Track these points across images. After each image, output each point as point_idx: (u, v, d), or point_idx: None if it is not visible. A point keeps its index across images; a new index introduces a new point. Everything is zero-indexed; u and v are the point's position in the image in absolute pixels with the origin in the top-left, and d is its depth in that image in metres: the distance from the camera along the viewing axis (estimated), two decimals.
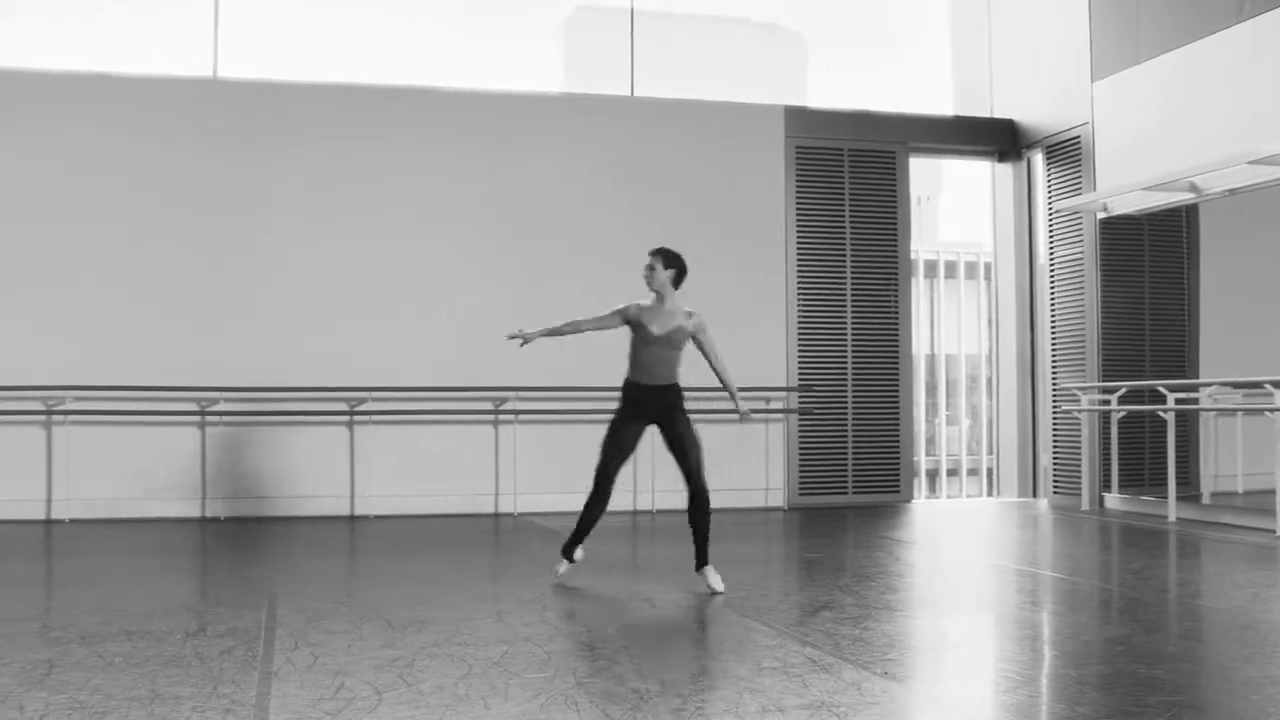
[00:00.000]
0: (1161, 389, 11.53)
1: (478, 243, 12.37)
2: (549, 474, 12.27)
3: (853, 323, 13.28)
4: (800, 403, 13.09)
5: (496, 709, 4.32)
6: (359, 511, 11.92)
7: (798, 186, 13.20)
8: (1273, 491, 10.14)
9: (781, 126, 13.23)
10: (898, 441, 13.39)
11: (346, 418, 11.99)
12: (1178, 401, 11.41)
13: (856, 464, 13.26)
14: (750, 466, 12.88)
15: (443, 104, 12.58)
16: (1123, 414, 12.22)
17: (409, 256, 12.24)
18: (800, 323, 13.13)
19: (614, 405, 12.26)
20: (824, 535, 10.66)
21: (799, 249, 13.16)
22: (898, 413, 13.40)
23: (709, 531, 7.50)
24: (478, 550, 9.95)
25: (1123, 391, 12.19)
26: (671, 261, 7.53)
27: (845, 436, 13.25)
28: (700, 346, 7.69)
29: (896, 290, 13.40)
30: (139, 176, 11.80)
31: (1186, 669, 5.17)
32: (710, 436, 12.61)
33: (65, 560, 9.39)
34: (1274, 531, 10.00)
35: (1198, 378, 11.75)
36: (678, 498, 12.31)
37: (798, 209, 13.18)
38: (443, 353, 12.13)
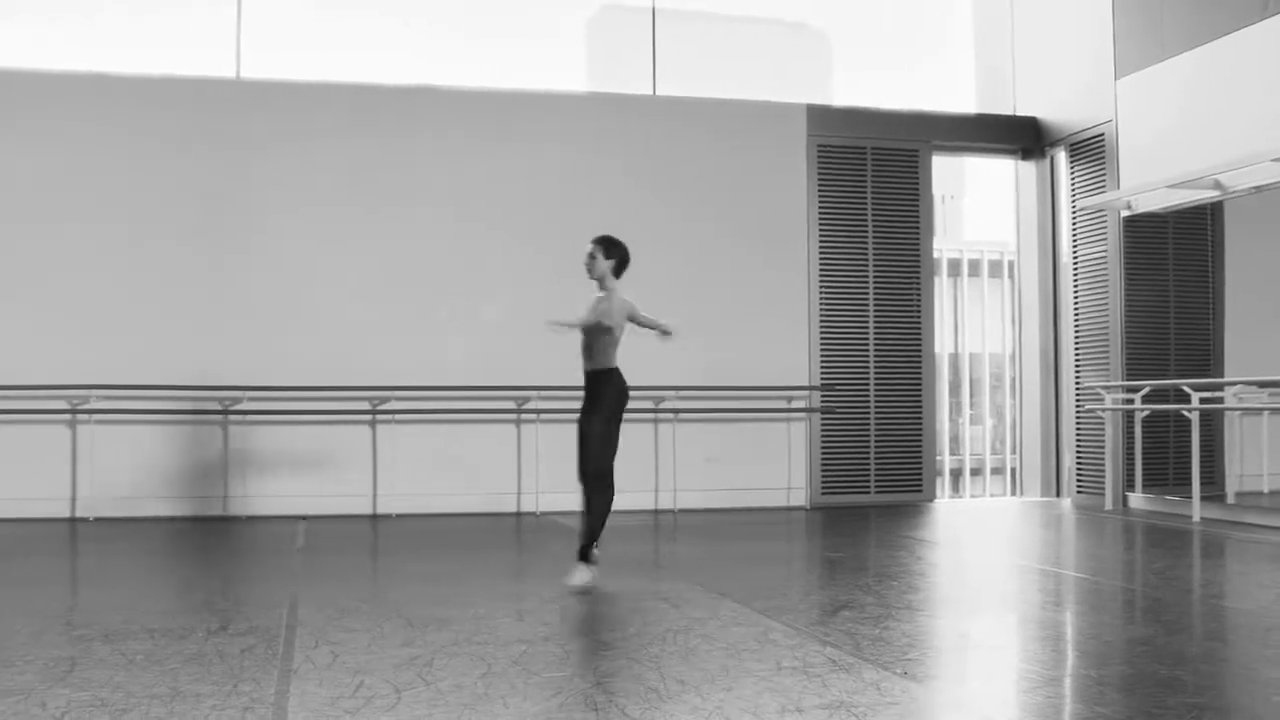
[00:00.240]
0: (1186, 388, 11.47)
1: (498, 241, 12.38)
2: (570, 473, 12.23)
3: (875, 321, 13.25)
4: (822, 402, 13.07)
5: (515, 708, 4.32)
6: (381, 510, 11.95)
7: (820, 185, 13.18)
8: None
9: (804, 125, 13.21)
10: (920, 441, 13.35)
11: (369, 417, 12.02)
12: (1202, 400, 11.35)
13: (879, 463, 13.23)
14: (772, 466, 12.86)
15: (465, 103, 12.60)
16: (1146, 413, 12.16)
17: (431, 256, 12.26)
18: (822, 322, 13.10)
19: (638, 404, 12.37)
20: (846, 534, 10.63)
21: (821, 248, 13.13)
22: (920, 412, 13.37)
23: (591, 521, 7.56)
24: (499, 549, 9.96)
25: (1146, 390, 12.13)
26: (612, 250, 7.52)
27: (867, 436, 13.22)
28: (639, 323, 7.97)
29: (918, 289, 13.34)
30: (159, 177, 11.86)
31: (1209, 670, 5.14)
32: (733, 435, 12.74)
33: (89, 558, 9.43)
34: None
35: (1222, 376, 11.69)
36: (699, 496, 12.43)
37: (820, 208, 13.16)
38: (465, 352, 12.15)
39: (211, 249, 11.92)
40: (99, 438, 11.53)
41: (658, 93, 13.28)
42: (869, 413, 13.23)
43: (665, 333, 7.88)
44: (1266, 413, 11.24)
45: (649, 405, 12.53)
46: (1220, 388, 11.48)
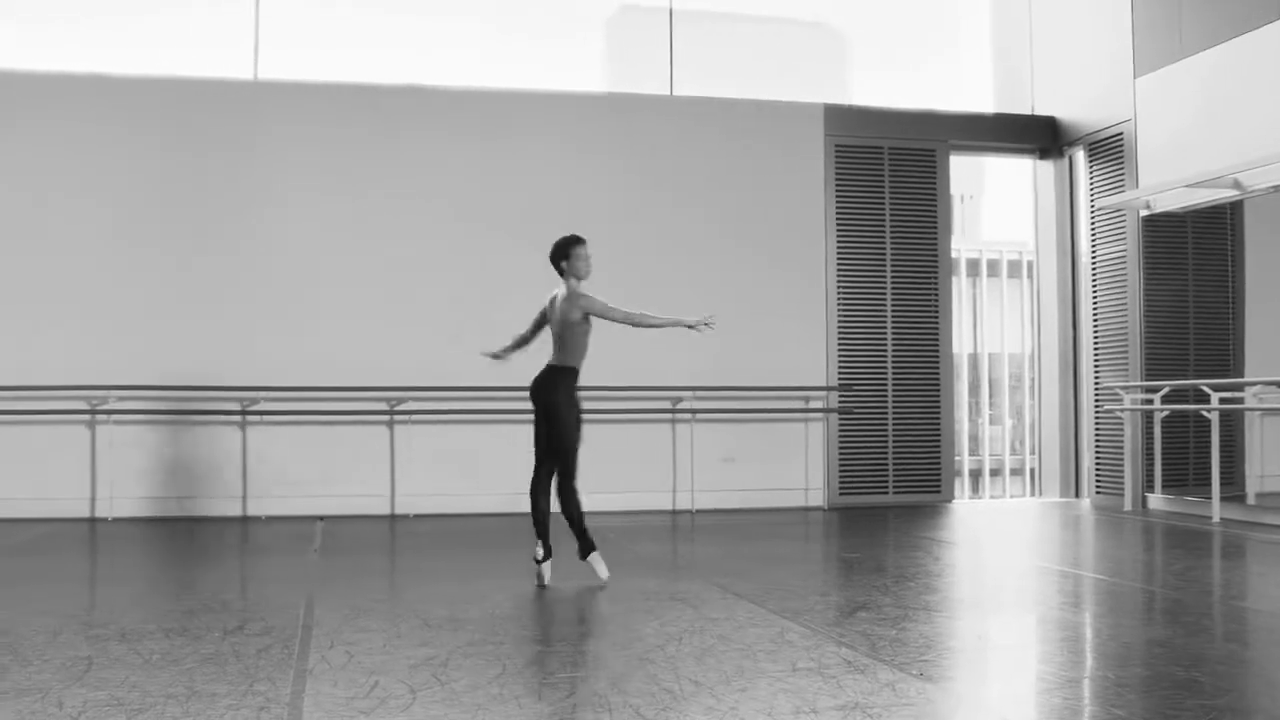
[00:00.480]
0: (1205, 388, 11.41)
1: (514, 243, 12.37)
2: (589, 473, 12.24)
3: (893, 322, 13.22)
4: (840, 402, 13.04)
5: (530, 708, 4.32)
6: (399, 510, 11.97)
7: (837, 185, 13.15)
8: None
9: (821, 125, 13.19)
10: (939, 441, 13.32)
11: (386, 417, 12.04)
12: (1222, 401, 11.29)
13: (897, 464, 13.20)
14: (789, 466, 12.85)
15: (482, 103, 12.60)
16: (1166, 413, 12.11)
17: (447, 258, 12.27)
18: (840, 322, 13.08)
19: (656, 405, 12.39)
20: (863, 535, 10.61)
21: (839, 248, 13.11)
22: (939, 412, 13.33)
23: (573, 523, 7.93)
24: (517, 549, 9.93)
25: (1166, 391, 12.08)
26: (553, 254, 8.04)
27: (886, 436, 13.19)
28: (603, 318, 8.18)
29: (936, 289, 13.31)
30: (175, 179, 11.90)
31: (1227, 672, 5.11)
32: (750, 436, 12.73)
33: (107, 558, 9.47)
34: None
35: (1242, 376, 11.63)
36: (716, 497, 12.41)
37: (837, 208, 13.13)
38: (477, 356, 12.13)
39: (227, 250, 11.94)
40: (117, 438, 11.57)
41: (675, 93, 13.28)
42: (887, 413, 13.20)
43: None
44: None
45: (666, 406, 12.52)
46: (1240, 388, 11.42)
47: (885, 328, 13.20)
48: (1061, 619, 6.50)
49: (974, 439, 18.05)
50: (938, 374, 13.34)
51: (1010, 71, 14.60)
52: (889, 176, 13.28)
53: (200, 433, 11.77)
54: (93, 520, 11.38)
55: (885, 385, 13.20)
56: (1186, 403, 11.92)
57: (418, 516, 11.82)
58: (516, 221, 12.40)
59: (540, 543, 7.81)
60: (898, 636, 5.61)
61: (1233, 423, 11.61)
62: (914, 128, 13.50)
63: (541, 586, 7.46)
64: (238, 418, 11.80)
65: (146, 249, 11.81)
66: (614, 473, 12.38)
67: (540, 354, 7.92)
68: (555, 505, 7.82)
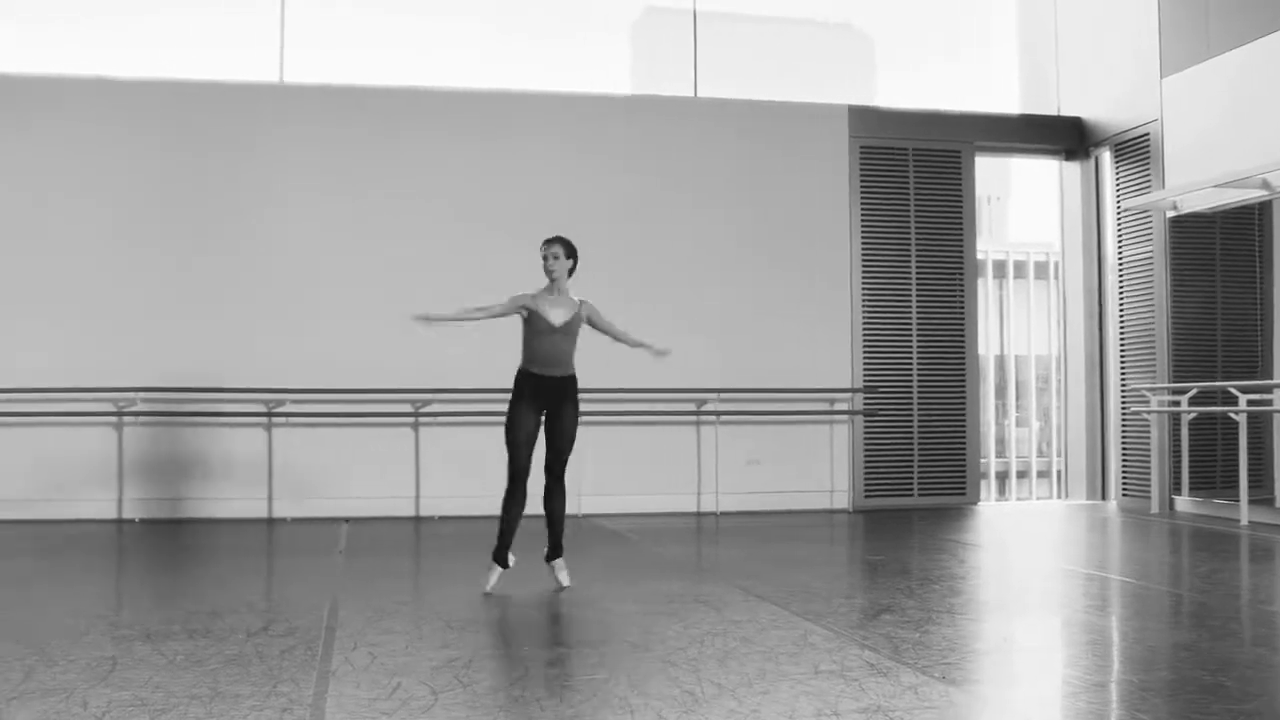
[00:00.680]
0: (1233, 390, 11.34)
1: (531, 242, 12.35)
2: (613, 475, 12.30)
3: (918, 324, 13.18)
4: (865, 404, 13.00)
5: (552, 710, 4.33)
6: (423, 512, 11.99)
7: (862, 187, 13.12)
8: None
9: (845, 126, 13.16)
10: (964, 443, 13.27)
11: (411, 419, 12.06)
12: (1250, 403, 11.22)
13: (922, 466, 13.16)
14: (815, 468, 12.82)
15: (506, 106, 12.62)
16: (1193, 415, 12.04)
17: (467, 261, 12.28)
18: (865, 324, 13.05)
19: (680, 407, 12.39)
20: (888, 538, 10.58)
21: (864, 250, 13.08)
22: (964, 414, 13.28)
23: (564, 522, 7.58)
24: (541, 551, 9.95)
25: (1193, 393, 12.01)
26: (571, 252, 7.57)
27: (911, 438, 13.15)
28: (598, 327, 7.69)
29: (961, 291, 13.27)
30: (190, 184, 11.96)
31: (1254, 676, 5.07)
32: (775, 438, 12.71)
33: (133, 559, 9.52)
34: None
35: (1271, 378, 11.55)
36: (740, 499, 12.39)
37: (862, 209, 13.10)
38: (505, 355, 12.13)
39: (252, 253, 11.99)
40: (144, 440, 11.64)
41: (699, 94, 13.27)
42: (912, 415, 13.16)
43: (659, 353, 7.93)
44: None
45: (691, 408, 12.51)
46: (1269, 390, 11.35)
47: (910, 330, 13.17)
48: (1087, 622, 6.46)
49: (1001, 441, 17.96)
50: (963, 376, 13.30)
51: (1036, 72, 14.55)
52: (914, 178, 13.25)
53: (226, 434, 11.82)
54: (119, 522, 11.45)
55: (910, 387, 13.16)
56: (1214, 404, 11.85)
57: (442, 518, 11.84)
58: (538, 224, 12.37)
59: (508, 551, 7.53)
60: (921, 639, 5.59)
61: (1261, 425, 11.53)
62: (939, 129, 13.45)
63: (487, 594, 7.14)
64: (263, 420, 11.85)
65: (173, 254, 11.86)
66: (638, 475, 12.39)
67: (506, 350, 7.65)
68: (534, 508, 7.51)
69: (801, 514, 12.36)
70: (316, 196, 12.14)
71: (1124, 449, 13.16)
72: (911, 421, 13.16)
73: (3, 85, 11.85)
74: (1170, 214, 12.35)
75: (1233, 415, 11.32)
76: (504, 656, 5.20)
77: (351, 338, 12.00)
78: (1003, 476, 17.55)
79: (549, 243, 7.59)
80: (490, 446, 12.06)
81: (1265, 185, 10.98)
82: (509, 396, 11.96)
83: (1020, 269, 17.63)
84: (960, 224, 13.34)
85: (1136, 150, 12.90)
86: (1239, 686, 4.76)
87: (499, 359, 12.10)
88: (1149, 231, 12.70)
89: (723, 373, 12.51)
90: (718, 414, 12.53)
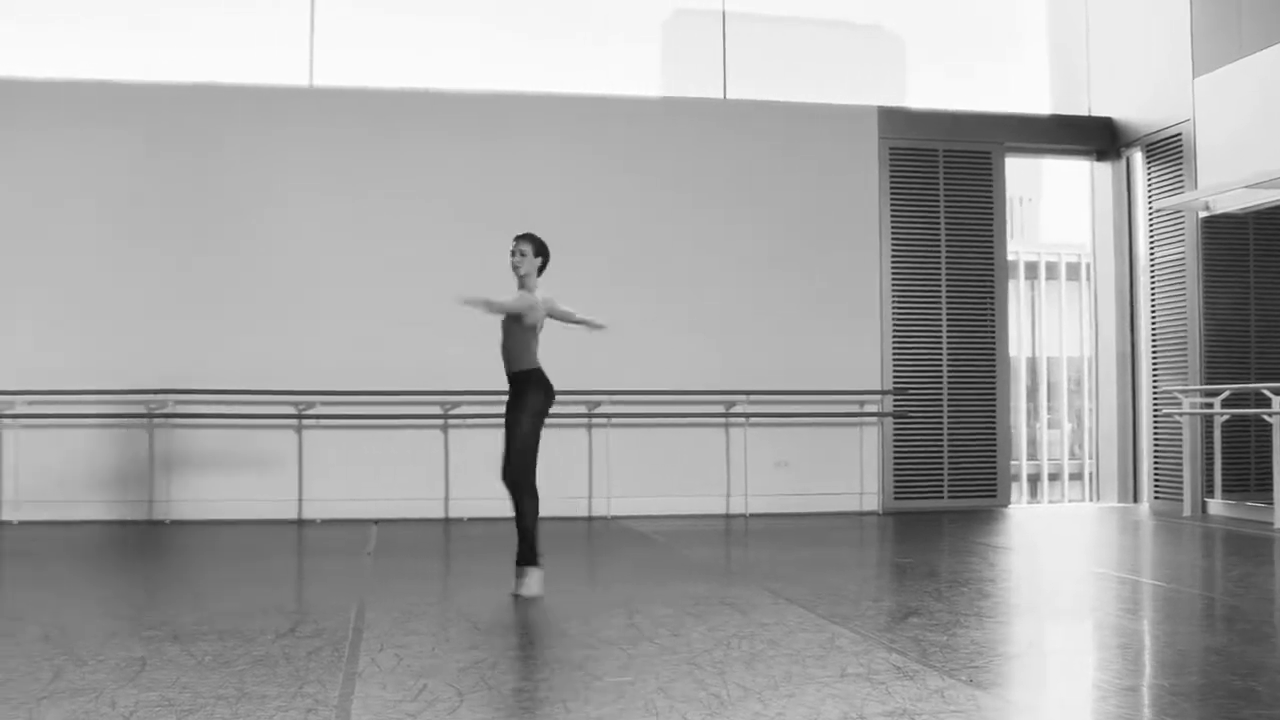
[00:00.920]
0: (1266, 392, 11.23)
1: (563, 246, 12.38)
2: (642, 477, 12.31)
3: (948, 325, 13.13)
4: (895, 406, 12.96)
5: (576, 712, 4.33)
6: (453, 514, 12.01)
7: (892, 188, 13.09)
8: None
9: (875, 128, 13.13)
10: (995, 445, 13.21)
11: (441, 421, 12.09)
12: None
13: (952, 468, 13.10)
14: (844, 470, 12.78)
15: (533, 108, 12.64)
16: (1226, 417, 11.95)
17: (495, 262, 12.28)
18: (895, 326, 13.01)
19: (710, 409, 12.37)
20: (917, 540, 10.54)
21: (894, 251, 13.04)
22: (994, 416, 13.22)
23: (522, 530, 7.25)
24: (569, 553, 9.97)
25: (1226, 395, 11.92)
26: (541, 249, 7.44)
27: (941, 440, 13.10)
28: (558, 317, 7.62)
29: (992, 292, 13.20)
30: (225, 189, 12.03)
31: None
32: (805, 440, 12.67)
33: (164, 560, 9.57)
34: None
35: None
36: (770, 501, 12.37)
37: (892, 211, 13.07)
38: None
39: (284, 255, 12.04)
40: (176, 441, 11.71)
41: (729, 96, 13.26)
42: (942, 417, 13.11)
43: (596, 326, 7.76)
44: None
45: (720, 410, 12.50)
46: None
47: (941, 331, 13.12)
48: (1116, 625, 6.42)
49: (1033, 443, 17.88)
50: (994, 378, 13.24)
51: (1067, 72, 14.47)
52: (944, 179, 13.20)
53: (256, 436, 11.87)
54: (150, 523, 11.51)
55: (941, 389, 13.11)
56: (1247, 407, 11.75)
57: (471, 520, 11.86)
58: (565, 227, 12.41)
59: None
60: (948, 642, 5.56)
61: None
62: (969, 130, 13.40)
63: (518, 596, 7.00)
64: (294, 422, 11.90)
65: (203, 255, 11.93)
66: (667, 477, 12.39)
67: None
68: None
69: (831, 516, 12.33)
70: (345, 200, 12.18)
71: (1156, 451, 13.07)
72: (942, 423, 13.11)
73: (8, 88, 11.97)
74: (1202, 214, 12.26)
75: (1266, 418, 11.23)
76: (530, 658, 5.20)
77: (382, 340, 12.04)
78: (1034, 479, 17.48)
79: (519, 239, 7.47)
80: None
81: None
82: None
83: (1052, 270, 17.57)
84: (991, 225, 13.28)
85: (1168, 150, 12.82)
86: (1270, 692, 4.71)
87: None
88: (1181, 232, 12.62)
89: (752, 375, 12.50)
90: (747, 416, 12.51)
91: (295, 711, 4.29)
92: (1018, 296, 16.72)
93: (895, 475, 12.95)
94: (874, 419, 12.86)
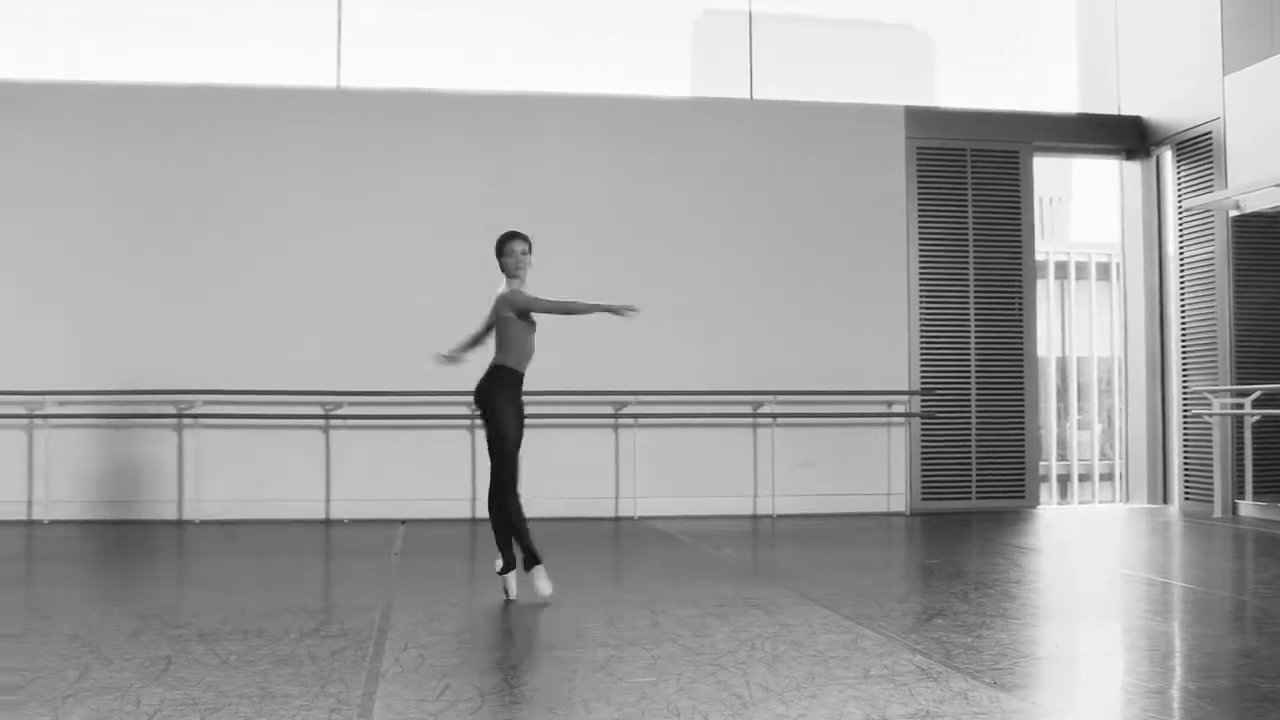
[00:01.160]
0: None
1: (590, 248, 12.40)
2: (669, 478, 12.31)
3: (976, 325, 13.08)
4: (923, 406, 12.92)
5: (598, 713, 4.33)
6: (479, 515, 12.02)
7: (919, 188, 13.04)
8: None
9: (902, 127, 13.08)
10: (1023, 446, 13.15)
11: (468, 422, 12.12)
12: None
13: (981, 469, 13.05)
14: (871, 471, 12.74)
15: (560, 109, 12.66)
16: (1257, 418, 11.86)
17: (547, 268, 12.29)
18: (923, 326, 12.96)
19: (737, 409, 12.36)
20: (945, 541, 10.50)
21: (921, 251, 13.00)
22: (1023, 416, 13.16)
23: (515, 533, 7.15)
24: (595, 553, 9.99)
25: (1257, 395, 11.83)
26: (531, 247, 7.44)
27: (969, 441, 13.04)
28: (529, 310, 7.63)
29: (1021, 299, 13.13)
30: (270, 188, 12.08)
31: None
32: (832, 440, 12.65)
33: (193, 560, 9.62)
34: None
35: None
36: (797, 501, 12.35)
37: (919, 210, 13.02)
38: (563, 357, 12.17)
39: (308, 258, 12.09)
40: (204, 442, 11.77)
41: (756, 96, 13.25)
42: (970, 417, 13.06)
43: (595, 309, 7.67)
44: None
45: (748, 410, 12.49)
46: None
47: (968, 331, 13.06)
48: (1144, 627, 6.39)
49: (1063, 444, 17.79)
50: (1022, 378, 13.17)
51: (1096, 71, 14.39)
52: (971, 179, 13.14)
53: (284, 436, 11.92)
54: (179, 523, 11.58)
55: (968, 389, 13.06)
56: (1278, 407, 11.66)
57: None
58: (592, 227, 12.43)
59: (500, 554, 7.21)
60: (973, 644, 5.54)
61: None
62: (997, 129, 13.34)
63: (509, 601, 6.94)
64: (321, 422, 11.95)
65: (225, 260, 11.99)
66: (694, 477, 12.38)
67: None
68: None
69: (858, 517, 12.29)
70: (376, 200, 12.21)
71: (1186, 452, 12.99)
72: (970, 424, 13.05)
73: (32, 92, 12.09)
74: (1233, 213, 12.17)
75: None
76: (553, 659, 5.20)
77: (408, 340, 12.05)
78: (1064, 479, 17.39)
79: (518, 238, 7.44)
80: (547, 449, 12.19)
81: None
82: (566, 398, 12.12)
83: (1082, 270, 17.46)
84: (1019, 225, 13.21)
85: (1198, 149, 12.73)
86: None
87: (550, 360, 12.18)
88: (1211, 231, 12.53)
89: (779, 375, 12.47)
90: (774, 416, 12.49)
91: (318, 711, 4.31)
92: (1047, 296, 16.63)
93: (923, 476, 12.90)
94: (901, 419, 12.82)
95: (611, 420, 12.32)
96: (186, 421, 11.78)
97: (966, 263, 13.08)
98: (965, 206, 13.12)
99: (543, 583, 6.91)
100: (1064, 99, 14.46)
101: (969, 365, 13.06)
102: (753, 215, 12.71)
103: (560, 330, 12.32)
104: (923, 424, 12.92)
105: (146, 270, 11.89)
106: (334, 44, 12.63)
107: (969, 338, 13.06)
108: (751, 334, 12.59)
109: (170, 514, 11.71)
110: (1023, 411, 13.16)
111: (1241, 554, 9.71)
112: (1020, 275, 13.18)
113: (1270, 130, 11.66)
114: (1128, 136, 13.69)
